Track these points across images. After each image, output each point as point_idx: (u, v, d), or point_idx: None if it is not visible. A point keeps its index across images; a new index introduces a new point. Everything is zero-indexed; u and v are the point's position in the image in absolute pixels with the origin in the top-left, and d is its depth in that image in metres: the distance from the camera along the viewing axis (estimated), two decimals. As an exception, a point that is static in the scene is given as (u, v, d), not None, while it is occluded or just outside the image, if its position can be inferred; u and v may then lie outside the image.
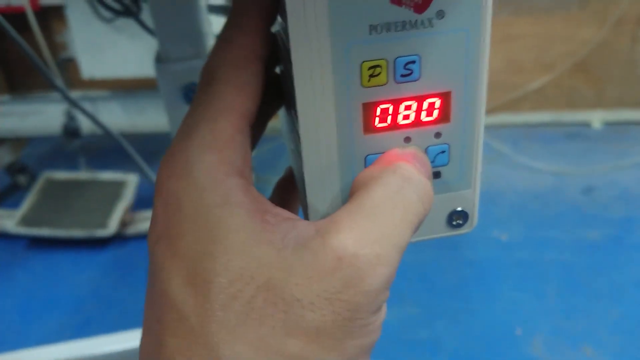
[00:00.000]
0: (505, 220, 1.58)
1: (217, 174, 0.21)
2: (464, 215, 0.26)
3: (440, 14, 0.21)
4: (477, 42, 0.22)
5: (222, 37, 0.24)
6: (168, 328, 0.20)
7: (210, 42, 0.51)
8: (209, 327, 0.20)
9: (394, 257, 0.21)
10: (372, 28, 0.21)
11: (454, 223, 0.26)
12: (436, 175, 0.25)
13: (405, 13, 0.21)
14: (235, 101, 0.23)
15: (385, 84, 0.22)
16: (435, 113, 0.23)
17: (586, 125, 2.01)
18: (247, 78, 0.23)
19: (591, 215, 1.58)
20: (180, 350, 0.20)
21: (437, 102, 0.23)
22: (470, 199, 0.26)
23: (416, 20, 0.21)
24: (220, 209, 0.21)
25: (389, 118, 0.23)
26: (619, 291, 1.32)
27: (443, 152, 0.24)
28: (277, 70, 0.26)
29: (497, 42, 1.95)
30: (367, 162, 0.24)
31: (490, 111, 2.04)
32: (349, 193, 0.23)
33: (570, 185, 1.71)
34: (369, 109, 0.22)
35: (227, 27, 0.24)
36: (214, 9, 0.52)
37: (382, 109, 0.22)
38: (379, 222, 0.21)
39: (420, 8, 0.21)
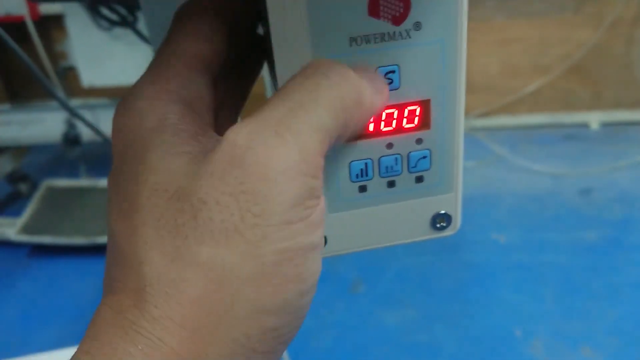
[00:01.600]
0: (504, 222, 1.58)
1: (157, 101, 0.21)
2: (447, 218, 0.27)
3: (417, 26, 0.22)
4: (454, 51, 0.23)
5: None
6: (111, 260, 0.21)
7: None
8: (135, 247, 0.19)
9: (307, 136, 0.19)
10: (352, 40, 0.22)
11: (438, 225, 0.27)
12: (419, 179, 0.26)
13: (383, 25, 0.22)
14: (187, 44, 0.23)
15: None
16: (416, 120, 0.24)
17: (583, 126, 2.02)
18: (204, 26, 0.23)
19: (589, 216, 1.58)
20: (118, 277, 0.20)
21: (417, 110, 0.24)
22: (453, 202, 0.27)
23: (394, 32, 0.22)
24: (151, 132, 0.21)
25: (372, 125, 0.24)
26: (617, 292, 1.32)
27: (425, 157, 0.25)
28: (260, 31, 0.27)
29: (493, 46, 1.96)
30: (351, 169, 0.25)
31: (487, 114, 2.05)
32: None
33: (568, 186, 1.71)
34: None
35: None
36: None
37: None
38: (281, 106, 0.20)
39: (397, 20, 0.22)
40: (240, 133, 0.19)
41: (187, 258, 0.19)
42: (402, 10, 0.22)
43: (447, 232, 0.27)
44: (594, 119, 2.02)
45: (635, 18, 1.88)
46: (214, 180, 0.19)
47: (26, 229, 1.60)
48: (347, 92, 0.21)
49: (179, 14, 0.24)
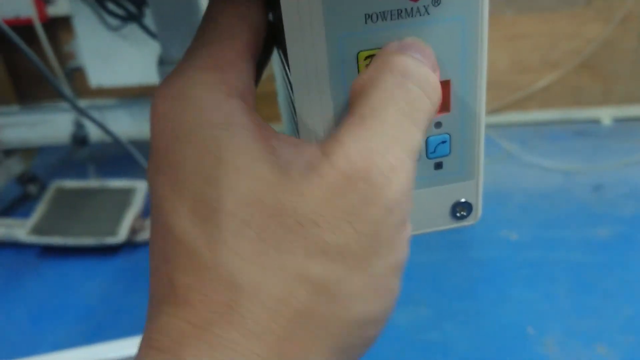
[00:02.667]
0: (515, 219, 1.57)
1: (219, 94, 0.20)
2: (467, 207, 0.26)
3: (436, 2, 0.21)
4: (474, 30, 0.22)
5: None
6: (178, 266, 0.19)
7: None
8: (222, 258, 0.18)
9: (406, 162, 0.20)
10: (368, 17, 0.21)
11: (458, 215, 0.26)
12: (438, 166, 0.25)
13: (400, 1, 0.21)
14: (238, 30, 0.21)
15: None
16: None
17: (595, 122, 2.00)
18: (249, 11, 0.22)
19: (601, 213, 1.57)
20: (194, 287, 0.18)
21: None
22: (474, 190, 0.26)
23: (412, 8, 0.21)
24: (222, 130, 0.19)
25: None
26: (631, 289, 1.31)
27: (444, 142, 0.24)
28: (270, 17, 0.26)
29: (503, 42, 1.95)
30: None
31: (497, 110, 2.04)
32: (348, 104, 0.21)
33: (579, 183, 1.70)
34: None
35: None
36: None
37: None
38: (382, 129, 0.19)
39: None
40: (348, 157, 0.19)
41: (294, 273, 0.18)
42: None
43: (468, 222, 0.26)
44: (605, 114, 2.01)
45: (646, 12, 1.86)
46: (327, 205, 0.19)
47: (36, 230, 1.61)
48: (435, 103, 0.21)
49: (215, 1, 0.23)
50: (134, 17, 0.52)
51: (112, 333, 1.25)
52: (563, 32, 1.91)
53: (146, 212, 1.66)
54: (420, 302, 1.33)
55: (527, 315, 1.27)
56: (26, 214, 1.69)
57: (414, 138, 0.20)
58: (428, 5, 0.21)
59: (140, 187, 1.70)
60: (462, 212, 0.26)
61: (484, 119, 0.24)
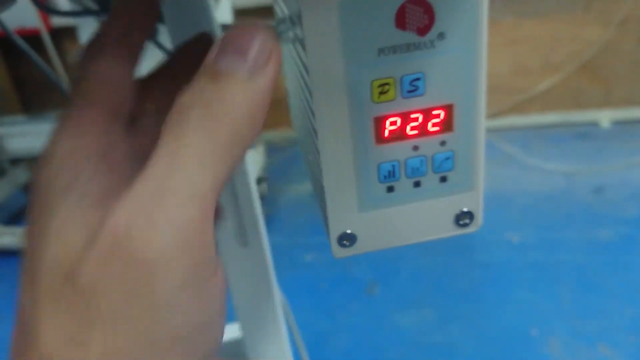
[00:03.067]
0: (517, 222, 1.59)
1: (71, 159, 0.21)
2: (470, 216, 0.28)
3: (441, 36, 0.23)
4: (475, 59, 0.24)
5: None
6: (14, 334, 0.21)
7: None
8: (34, 324, 0.19)
9: (181, 211, 0.19)
10: (381, 51, 0.23)
11: (461, 222, 0.28)
12: (443, 179, 0.27)
13: (409, 36, 0.23)
14: (97, 96, 0.23)
15: (393, 100, 0.24)
16: (440, 124, 0.25)
17: (595, 124, 2.02)
18: (113, 70, 0.24)
19: (603, 214, 1.58)
20: (20, 349, 0.20)
21: (442, 114, 0.25)
22: (475, 200, 0.28)
23: (419, 42, 0.23)
24: (62, 192, 0.21)
25: (398, 130, 0.25)
26: (633, 289, 1.32)
27: (448, 158, 0.26)
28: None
29: (503, 46, 1.97)
30: (380, 170, 0.26)
31: (499, 114, 2.06)
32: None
33: (581, 185, 1.71)
34: (379, 122, 0.25)
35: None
36: (228, 29, 0.54)
37: (391, 122, 0.25)
38: (151, 180, 0.19)
39: (423, 31, 0.23)
40: (116, 216, 0.19)
41: (80, 342, 0.19)
42: (427, 22, 0.23)
43: (470, 229, 0.29)
44: (605, 116, 2.02)
45: (645, 15, 1.88)
46: (100, 267, 0.19)
47: (44, 238, 1.62)
48: (254, 115, 0.20)
49: (87, 54, 0.24)
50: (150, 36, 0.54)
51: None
52: (563, 35, 1.93)
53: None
54: (424, 305, 1.35)
55: (531, 317, 1.28)
56: (34, 223, 1.71)
57: (211, 175, 0.19)
58: (434, 40, 0.23)
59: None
60: (465, 220, 0.28)
61: (484, 136, 0.26)
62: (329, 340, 1.29)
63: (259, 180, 1.74)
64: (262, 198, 1.42)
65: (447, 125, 0.25)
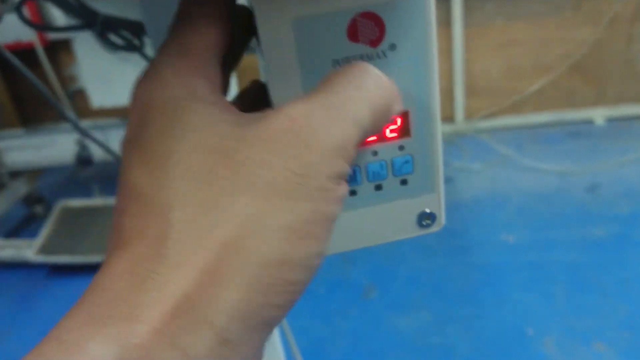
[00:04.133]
0: (512, 222, 1.59)
1: (185, 75, 0.22)
2: (432, 216, 0.29)
3: (393, 47, 0.25)
4: (426, 68, 0.26)
5: None
6: (127, 211, 0.20)
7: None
8: (162, 198, 0.20)
9: (349, 127, 0.21)
10: (335, 62, 0.25)
11: (424, 223, 0.30)
12: (403, 182, 0.28)
13: (362, 48, 0.25)
14: (205, 29, 0.24)
15: None
16: (397, 130, 0.27)
17: (588, 123, 2.03)
18: (216, 12, 0.24)
19: (597, 213, 1.59)
20: (135, 227, 0.20)
21: (398, 121, 0.26)
22: (436, 201, 0.29)
23: (372, 53, 0.25)
24: (186, 101, 0.21)
25: None
26: (628, 287, 1.33)
27: (407, 162, 0.28)
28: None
29: (495, 49, 1.98)
30: None
31: (493, 115, 2.07)
32: None
33: (575, 184, 1.72)
34: None
35: None
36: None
37: None
38: (333, 96, 0.21)
39: (374, 43, 0.25)
40: (296, 108, 0.21)
41: (222, 206, 0.19)
42: (378, 34, 0.24)
43: (433, 229, 0.30)
44: (598, 114, 2.03)
45: (634, 14, 1.89)
46: (264, 143, 0.20)
47: (44, 250, 1.64)
48: (388, 97, 0.23)
49: (186, 2, 0.25)
50: (134, 48, 0.55)
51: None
52: (553, 36, 1.95)
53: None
54: (421, 307, 1.36)
55: (527, 317, 1.29)
56: (33, 234, 1.72)
57: (361, 113, 0.22)
58: (385, 50, 0.25)
59: (144, 204, 1.73)
60: (427, 221, 0.30)
61: (440, 140, 0.28)
62: (327, 345, 1.29)
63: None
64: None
65: (404, 131, 0.27)
